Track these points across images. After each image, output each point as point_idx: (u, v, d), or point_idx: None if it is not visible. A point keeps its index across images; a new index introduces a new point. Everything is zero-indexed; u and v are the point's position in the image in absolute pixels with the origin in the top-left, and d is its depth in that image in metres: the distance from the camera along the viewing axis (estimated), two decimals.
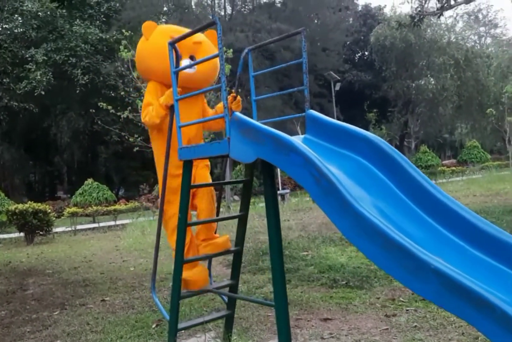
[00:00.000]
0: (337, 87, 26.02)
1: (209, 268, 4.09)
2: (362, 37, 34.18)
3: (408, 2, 13.58)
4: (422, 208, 2.56)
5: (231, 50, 15.74)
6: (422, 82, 35.24)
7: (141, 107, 14.50)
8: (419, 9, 13.06)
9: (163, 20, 26.15)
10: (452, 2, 13.00)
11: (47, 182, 40.94)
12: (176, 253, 3.43)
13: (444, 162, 36.69)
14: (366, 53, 35.62)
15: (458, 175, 24.96)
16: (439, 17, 14.09)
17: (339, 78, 26.12)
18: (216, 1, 27.21)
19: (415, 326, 4.31)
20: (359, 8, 35.16)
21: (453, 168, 27.67)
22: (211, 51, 3.88)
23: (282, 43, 24.15)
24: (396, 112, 35.89)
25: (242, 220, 3.67)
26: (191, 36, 3.68)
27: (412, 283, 2.05)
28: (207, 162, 4.11)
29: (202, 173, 3.94)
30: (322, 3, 28.53)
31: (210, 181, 4.04)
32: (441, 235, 2.45)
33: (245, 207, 3.62)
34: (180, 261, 3.38)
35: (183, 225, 3.29)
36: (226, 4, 27.15)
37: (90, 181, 21.40)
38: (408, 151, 53.28)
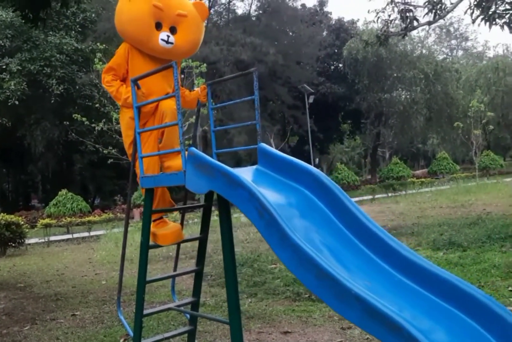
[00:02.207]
0: (311, 100, 26.53)
1: (172, 285, 4.32)
2: (335, 51, 34.90)
3: (374, 21, 14.07)
4: (357, 237, 2.84)
5: (205, 64, 16.10)
6: (394, 95, 36.16)
7: (116, 119, 14.55)
8: (384, 29, 13.57)
9: None
10: (415, 24, 13.58)
11: (21, 190, 40.45)
12: (138, 273, 3.63)
13: (416, 172, 37.57)
14: (340, 65, 36.40)
15: (427, 186, 25.67)
16: (403, 37, 14.65)
17: (312, 91, 26.64)
18: None
19: (367, 338, 4.62)
20: (333, 22, 35.91)
21: (423, 179, 28.42)
22: (195, 25, 3.79)
23: (256, 57, 24.57)
24: (368, 123, 36.70)
25: (202, 242, 3.91)
26: (177, 4, 3.65)
27: (342, 309, 2.30)
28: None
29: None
30: (296, 17, 29.12)
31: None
32: (373, 262, 2.74)
33: (205, 230, 3.87)
34: (142, 281, 3.62)
35: (145, 248, 3.54)
36: None
37: (64, 191, 21.35)
38: (382, 161, 54.40)
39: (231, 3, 28.00)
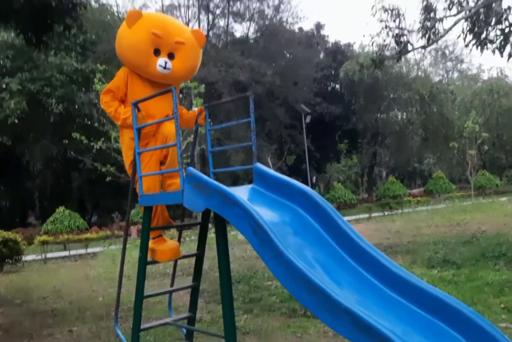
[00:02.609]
0: (308, 120, 26.84)
1: (169, 301, 4.43)
2: (332, 72, 35.45)
3: (369, 46, 14.42)
4: (349, 254, 2.97)
5: (203, 85, 16.41)
6: (390, 115, 36.62)
7: (114, 138, 14.74)
8: (379, 53, 13.91)
9: None
10: (410, 48, 13.95)
11: (18, 208, 40.39)
12: (136, 288, 3.73)
13: (413, 191, 37.79)
14: (337, 86, 36.94)
15: (423, 205, 25.83)
16: (397, 61, 14.99)
17: (309, 111, 26.98)
18: None
19: None
20: (329, 45, 36.59)
21: (419, 198, 28.62)
22: (193, 52, 3.94)
23: (254, 78, 24.97)
24: (365, 143, 37.06)
25: (199, 258, 4.04)
26: (175, 32, 3.82)
27: (333, 322, 2.41)
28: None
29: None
30: (293, 40, 29.70)
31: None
32: (364, 278, 2.86)
33: (201, 247, 4.01)
34: (140, 295, 3.74)
35: (143, 263, 3.67)
36: None
37: (62, 208, 21.41)
38: (379, 180, 54.66)
39: (230, 26, 28.59)
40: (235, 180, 27.95)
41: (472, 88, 40.45)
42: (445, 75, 54.16)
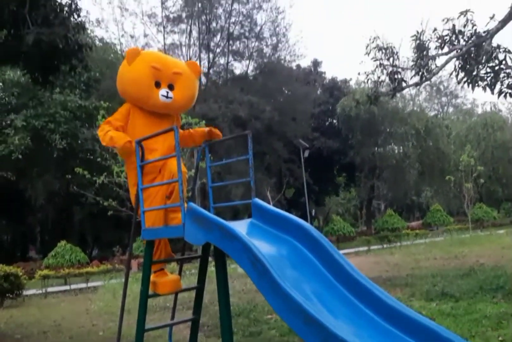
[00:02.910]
0: (306, 154, 27.27)
1: (169, 334, 4.54)
2: (330, 107, 36.18)
3: (364, 83, 14.92)
4: (344, 286, 3.14)
5: (204, 121, 16.86)
6: (386, 149, 37.19)
7: (116, 172, 15.07)
8: (374, 89, 14.36)
9: None
10: (404, 85, 14.42)
11: (19, 242, 40.31)
12: (138, 321, 3.86)
13: (411, 223, 37.92)
14: (334, 121, 37.65)
15: (422, 238, 25.92)
16: (392, 97, 15.44)
17: (307, 145, 27.45)
18: None
19: None
20: (326, 81, 37.49)
21: (417, 231, 28.75)
22: (190, 82, 4.24)
23: (253, 113, 25.57)
24: (363, 176, 37.46)
25: (199, 292, 4.19)
26: (172, 65, 4.13)
27: None
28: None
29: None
30: (291, 77, 30.51)
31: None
32: (359, 310, 3.02)
33: (201, 280, 4.16)
34: (141, 328, 3.89)
35: (145, 296, 3.85)
36: (201, 75, 28.89)
37: (63, 242, 21.51)
38: (378, 212, 54.71)
39: (230, 64, 29.45)
40: (236, 214, 28.12)
41: (467, 122, 41.21)
42: (440, 110, 55.07)
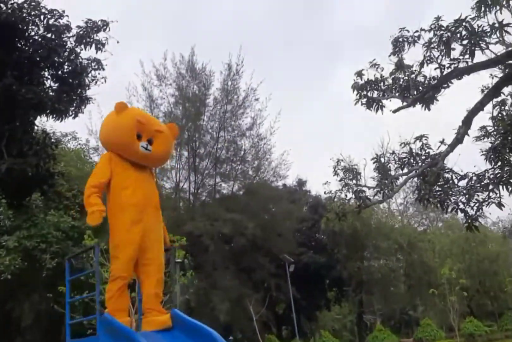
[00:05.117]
0: (292, 269, 27.82)
1: None
2: (315, 224, 37.48)
3: (333, 200, 16.32)
4: None
5: (185, 238, 17.95)
6: (371, 264, 37.67)
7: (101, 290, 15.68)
8: (341, 207, 15.71)
9: None
10: (368, 202, 15.81)
11: None
12: None
13: (404, 340, 36.84)
14: (320, 237, 38.64)
15: None
16: (358, 213, 16.76)
17: (293, 260, 28.12)
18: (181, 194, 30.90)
19: None
20: (311, 199, 39.36)
21: None
22: (167, 141, 4.91)
23: (237, 230, 26.78)
24: (351, 291, 37.41)
25: None
26: (155, 123, 4.82)
27: None
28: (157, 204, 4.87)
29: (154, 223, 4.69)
30: (276, 196, 32.30)
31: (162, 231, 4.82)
32: None
33: None
34: None
35: None
36: (190, 196, 30.72)
37: None
38: (375, 328, 52.93)
39: (218, 184, 31.41)
40: (227, 327, 27.63)
41: (450, 236, 42.18)
42: (430, 225, 56.18)
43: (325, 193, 16.60)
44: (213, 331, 4.16)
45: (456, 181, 14.10)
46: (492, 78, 13.84)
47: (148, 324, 4.57)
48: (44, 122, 19.14)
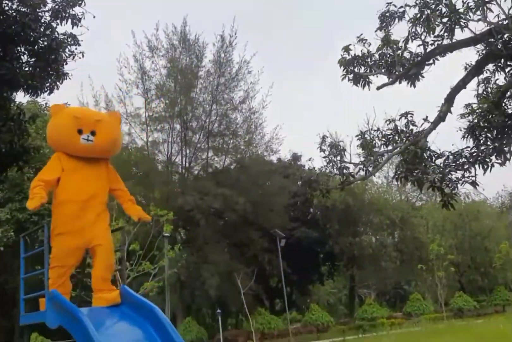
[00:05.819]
0: (283, 243, 28.10)
1: None
2: (307, 198, 37.42)
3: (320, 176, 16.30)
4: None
5: (172, 213, 18.09)
6: (363, 239, 37.89)
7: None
8: (325, 183, 15.71)
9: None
10: (351, 179, 15.81)
11: (4, 336, 39.41)
12: None
13: (396, 314, 37.41)
14: (317, 211, 38.75)
15: (400, 327, 25.83)
16: (341, 190, 16.78)
17: (284, 235, 28.36)
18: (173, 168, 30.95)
19: None
20: (304, 174, 39.16)
21: (393, 320, 28.67)
22: (110, 128, 4.91)
23: (228, 205, 26.96)
24: (342, 266, 37.83)
25: None
26: (94, 114, 4.91)
27: None
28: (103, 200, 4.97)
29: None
30: (269, 170, 32.29)
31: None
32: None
33: None
34: None
35: None
36: (183, 170, 30.77)
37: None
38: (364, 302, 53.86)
39: (210, 158, 31.40)
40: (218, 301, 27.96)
41: (443, 212, 42.22)
42: (428, 200, 56.31)
43: (308, 169, 16.66)
44: (155, 307, 4.42)
45: (434, 158, 14.03)
46: (479, 55, 13.62)
47: (97, 300, 4.85)
48: (33, 98, 19.12)
